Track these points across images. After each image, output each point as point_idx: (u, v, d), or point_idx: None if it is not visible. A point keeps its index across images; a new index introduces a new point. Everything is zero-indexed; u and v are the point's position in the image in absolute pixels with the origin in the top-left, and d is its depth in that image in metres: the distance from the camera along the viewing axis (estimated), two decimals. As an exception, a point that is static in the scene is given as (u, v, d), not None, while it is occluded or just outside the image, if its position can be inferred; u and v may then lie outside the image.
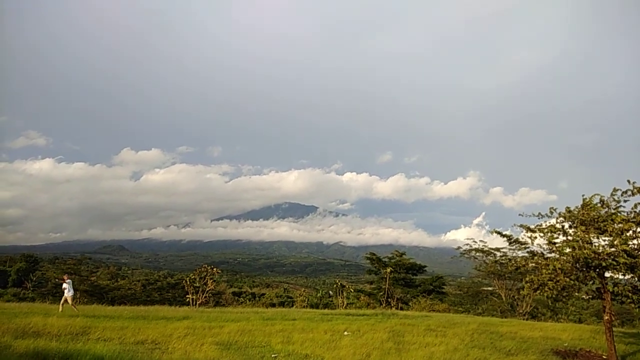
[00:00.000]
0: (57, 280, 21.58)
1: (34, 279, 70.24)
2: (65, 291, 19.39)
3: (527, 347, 14.02)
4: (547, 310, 50.57)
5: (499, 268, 50.93)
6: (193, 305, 38.25)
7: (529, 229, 14.53)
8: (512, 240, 23.74)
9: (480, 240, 50.34)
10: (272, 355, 9.78)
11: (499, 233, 21.74)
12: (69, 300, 19.08)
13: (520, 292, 43.33)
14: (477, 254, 51.98)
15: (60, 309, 18.45)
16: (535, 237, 14.64)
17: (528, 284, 14.30)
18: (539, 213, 14.33)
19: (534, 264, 15.08)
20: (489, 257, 52.39)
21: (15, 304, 22.03)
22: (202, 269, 39.72)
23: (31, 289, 61.68)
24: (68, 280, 19.67)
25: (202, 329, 13.10)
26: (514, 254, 51.86)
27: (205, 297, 38.81)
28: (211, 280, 38.51)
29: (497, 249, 51.35)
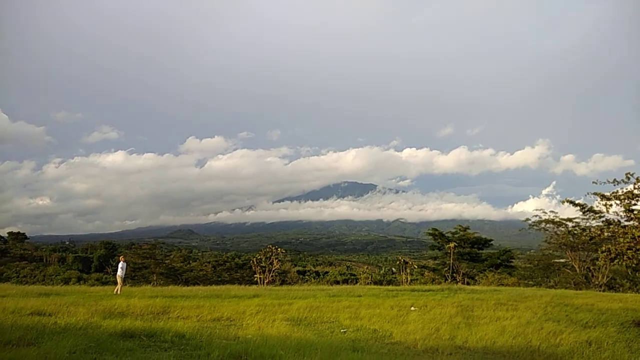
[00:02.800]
0: (117, 261, 21.76)
1: (114, 264, 75.79)
2: (119, 270, 19.83)
3: (605, 319, 13.34)
4: (625, 281, 47.64)
5: (571, 239, 48.48)
6: (261, 283, 39.80)
7: (603, 197, 13.72)
8: (585, 210, 22.55)
9: (551, 211, 47.96)
10: (342, 330, 10.02)
11: (571, 202, 20.75)
12: (118, 280, 19.55)
13: (596, 263, 41.12)
14: (548, 225, 49.71)
15: (119, 291, 18.96)
16: (611, 205, 13.81)
17: (604, 253, 13.58)
18: (614, 179, 13.48)
19: (609, 233, 14.26)
20: (560, 228, 49.95)
21: (100, 287, 23.91)
22: (268, 249, 41.13)
23: (112, 273, 66.56)
24: (122, 263, 20.06)
25: (272, 306, 13.62)
26: (588, 224, 49.14)
27: (272, 275, 40.27)
28: (276, 260, 39.84)
29: (569, 220, 48.82)
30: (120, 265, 20.01)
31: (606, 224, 14.54)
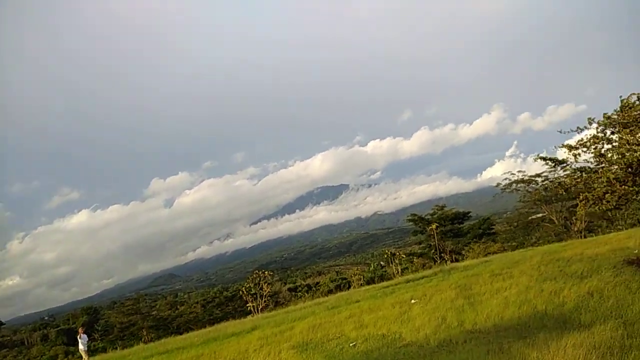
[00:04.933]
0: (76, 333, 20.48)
1: (99, 328, 72.65)
2: (79, 344, 18.79)
3: (597, 265, 13.54)
4: (602, 221, 49.37)
5: (544, 194, 49.89)
6: (255, 312, 38.92)
7: (571, 148, 13.95)
8: (557, 162, 23.00)
9: (519, 171, 49.25)
10: (351, 345, 9.69)
11: (542, 158, 21.08)
12: (83, 355, 18.53)
13: (573, 211, 42.28)
14: (519, 185, 51.01)
15: None
16: (579, 154, 14.05)
17: (583, 202, 13.78)
18: (577, 127, 13.73)
19: (583, 182, 14.50)
20: (531, 185, 51.36)
21: (97, 358, 22.68)
22: (255, 275, 40.32)
23: (99, 338, 63.82)
24: (83, 335, 18.98)
25: (273, 335, 13.14)
26: (556, 175, 50.68)
27: (265, 301, 39.44)
28: (266, 284, 39.07)
29: (538, 175, 50.25)
30: (80, 338, 18.84)
31: (578, 172, 14.75)
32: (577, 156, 13.20)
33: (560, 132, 13.79)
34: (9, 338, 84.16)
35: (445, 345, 7.93)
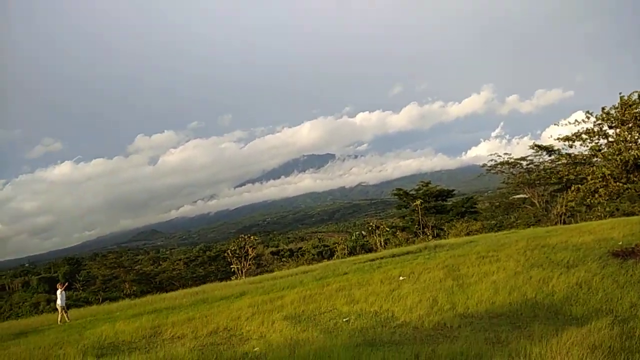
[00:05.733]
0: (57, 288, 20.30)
1: (81, 279, 72.98)
2: (58, 300, 18.66)
3: (583, 255, 13.92)
4: (582, 207, 50.46)
5: (527, 177, 50.64)
6: (239, 274, 39.46)
7: (567, 139, 14.09)
8: (551, 151, 23.25)
9: (505, 153, 49.76)
10: (344, 320, 9.91)
11: (538, 147, 21.31)
12: (59, 310, 18.47)
13: (564, 200, 42.97)
14: (504, 167, 51.64)
15: (60, 321, 18.05)
16: (574, 146, 14.22)
17: (574, 192, 14.03)
18: (575, 120, 13.83)
19: (576, 173, 14.73)
20: (515, 168, 52.05)
21: (76, 312, 22.77)
22: (240, 239, 40.71)
23: (81, 289, 64.12)
24: (61, 291, 18.88)
25: (264, 303, 13.33)
26: (540, 159, 51.25)
27: (249, 264, 39.98)
28: (251, 248, 39.54)
29: (523, 159, 50.88)
30: (59, 293, 18.75)
31: (572, 162, 14.98)
32: (573, 147, 13.38)
33: (557, 124, 13.90)
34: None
35: (440, 328, 8.16)
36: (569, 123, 13.98)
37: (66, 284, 21.34)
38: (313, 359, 6.34)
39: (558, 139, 14.03)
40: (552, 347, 5.32)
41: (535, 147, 34.27)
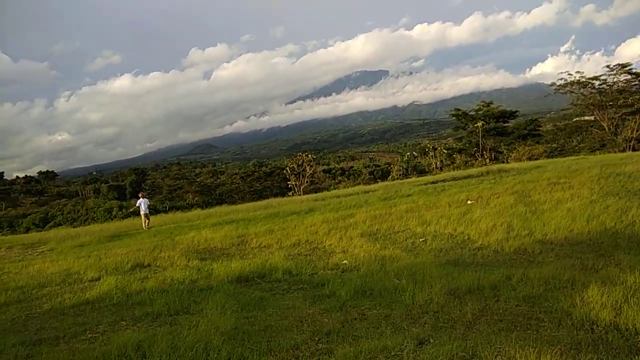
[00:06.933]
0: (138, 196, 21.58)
1: (146, 188, 78.36)
2: (141, 209, 19.73)
3: (663, 185, 13.50)
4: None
5: (599, 98, 47.56)
6: (295, 190, 41.10)
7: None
8: (631, 70, 21.59)
9: (577, 72, 46.62)
10: (421, 240, 10.43)
11: (621, 65, 19.76)
12: (142, 218, 19.67)
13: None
14: (574, 87, 48.60)
15: (146, 226, 19.40)
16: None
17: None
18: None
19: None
20: (586, 88, 48.86)
21: (158, 218, 24.91)
22: (298, 157, 41.90)
23: (147, 196, 68.87)
24: (143, 200, 19.95)
25: (336, 220, 14.07)
26: (615, 79, 47.72)
27: (306, 181, 41.45)
28: (309, 166, 40.76)
29: (596, 78, 47.51)
30: (141, 202, 19.94)
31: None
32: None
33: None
34: (65, 189, 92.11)
35: (521, 253, 8.48)
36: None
37: (145, 192, 23.02)
38: (407, 274, 6.88)
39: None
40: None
41: (615, 67, 31.62)
